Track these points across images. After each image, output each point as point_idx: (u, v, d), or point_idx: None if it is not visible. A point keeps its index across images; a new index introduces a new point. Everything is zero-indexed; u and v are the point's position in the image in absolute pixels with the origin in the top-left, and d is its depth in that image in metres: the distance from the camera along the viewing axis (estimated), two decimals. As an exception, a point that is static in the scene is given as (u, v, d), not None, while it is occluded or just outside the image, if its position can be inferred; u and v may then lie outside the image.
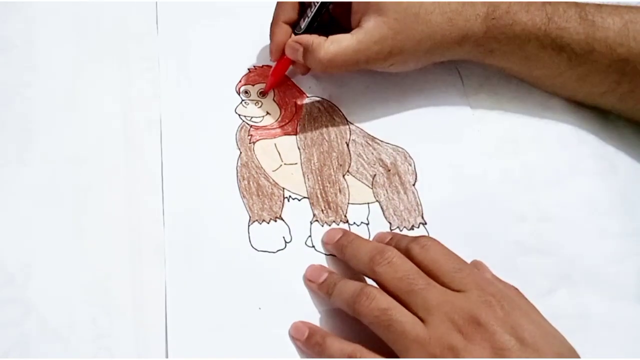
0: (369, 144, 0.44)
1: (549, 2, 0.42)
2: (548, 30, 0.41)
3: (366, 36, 0.40)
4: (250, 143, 0.43)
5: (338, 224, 0.41)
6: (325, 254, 0.39)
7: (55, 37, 0.46)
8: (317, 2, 0.42)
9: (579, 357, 0.32)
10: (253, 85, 0.46)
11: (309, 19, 0.42)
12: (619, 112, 0.45)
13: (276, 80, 0.45)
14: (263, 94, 0.45)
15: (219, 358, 0.35)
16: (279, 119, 0.45)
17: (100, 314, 0.36)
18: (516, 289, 0.35)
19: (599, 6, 0.42)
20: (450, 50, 0.43)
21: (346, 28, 0.42)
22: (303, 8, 0.43)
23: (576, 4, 0.42)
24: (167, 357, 0.35)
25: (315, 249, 0.40)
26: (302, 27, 0.43)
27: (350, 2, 0.42)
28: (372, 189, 0.42)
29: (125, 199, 0.40)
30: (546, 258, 0.40)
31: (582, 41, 0.41)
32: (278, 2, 0.44)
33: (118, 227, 0.39)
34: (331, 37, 0.41)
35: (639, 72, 0.41)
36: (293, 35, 0.43)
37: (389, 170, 0.43)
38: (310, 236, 0.40)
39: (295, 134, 0.44)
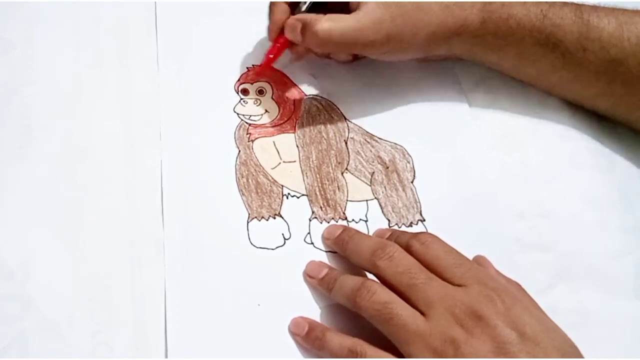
0: (367, 141, 0.44)
1: None
2: (542, 27, 0.41)
3: (364, 17, 0.40)
4: (249, 141, 0.43)
5: (337, 221, 0.41)
6: (325, 251, 0.39)
7: (55, 37, 0.46)
8: None
9: (580, 352, 0.32)
10: (252, 83, 0.46)
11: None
12: (614, 117, 0.45)
13: (272, 60, 0.44)
14: (257, 75, 0.45)
15: (219, 357, 0.35)
16: (278, 117, 0.45)
17: (99, 311, 0.36)
18: (518, 284, 0.35)
19: (596, 7, 0.42)
20: (448, 42, 0.43)
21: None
22: None
23: (573, 2, 0.42)
24: (166, 355, 0.35)
25: (314, 246, 0.40)
26: (303, 8, 0.43)
27: None
28: (370, 186, 0.42)
29: (125, 196, 0.40)
30: (545, 254, 0.40)
31: (575, 40, 0.41)
32: None
33: (117, 224, 0.39)
34: (329, 15, 0.41)
35: (632, 74, 0.41)
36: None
37: (388, 168, 0.43)
38: (309, 233, 0.40)
39: (294, 132, 0.44)
